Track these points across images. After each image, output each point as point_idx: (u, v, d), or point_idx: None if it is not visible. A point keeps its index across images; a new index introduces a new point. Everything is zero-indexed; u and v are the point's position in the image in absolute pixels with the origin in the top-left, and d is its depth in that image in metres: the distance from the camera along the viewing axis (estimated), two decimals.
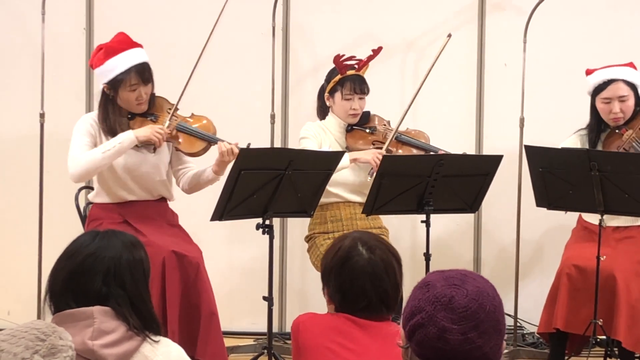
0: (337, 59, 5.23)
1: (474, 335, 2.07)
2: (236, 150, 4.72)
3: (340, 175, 5.08)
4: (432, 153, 5.17)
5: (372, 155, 5.09)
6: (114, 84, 4.75)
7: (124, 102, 4.79)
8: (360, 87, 5.25)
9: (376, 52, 5.30)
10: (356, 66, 5.26)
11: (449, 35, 5.29)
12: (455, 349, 2.06)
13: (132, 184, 4.82)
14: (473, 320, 2.07)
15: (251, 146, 4.70)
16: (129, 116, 4.82)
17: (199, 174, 4.92)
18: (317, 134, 5.25)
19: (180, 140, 4.82)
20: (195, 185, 4.95)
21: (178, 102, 4.81)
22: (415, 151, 5.26)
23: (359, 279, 3.00)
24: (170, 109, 4.84)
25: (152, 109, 4.86)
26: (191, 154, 4.86)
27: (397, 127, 5.23)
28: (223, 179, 4.58)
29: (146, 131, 4.71)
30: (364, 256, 3.02)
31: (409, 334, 2.11)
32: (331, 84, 5.27)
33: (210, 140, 4.82)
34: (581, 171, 4.69)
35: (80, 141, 4.76)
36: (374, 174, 4.83)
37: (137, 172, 4.82)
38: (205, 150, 4.86)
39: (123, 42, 4.81)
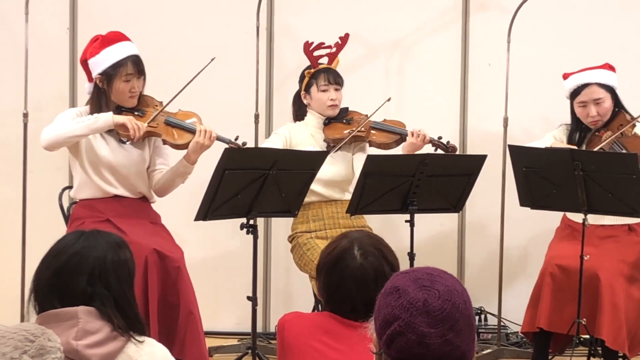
0: (307, 47, 5.27)
1: (451, 335, 2.07)
2: (214, 135, 4.75)
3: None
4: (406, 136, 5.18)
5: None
6: (109, 74, 4.74)
7: (116, 94, 4.77)
8: (334, 78, 5.30)
9: (344, 39, 5.33)
10: (327, 57, 5.30)
11: (389, 99, 5.25)
12: (435, 353, 2.06)
13: (112, 177, 4.80)
14: (449, 321, 2.07)
15: (239, 140, 4.76)
16: (116, 111, 4.80)
17: (171, 169, 4.89)
18: (290, 134, 5.27)
19: (167, 132, 4.81)
20: (166, 182, 4.88)
21: (170, 101, 4.80)
22: (391, 135, 5.25)
23: (346, 283, 2.96)
24: (157, 106, 4.84)
25: (140, 105, 4.85)
26: (178, 145, 4.83)
27: (372, 114, 5.22)
28: (206, 180, 4.56)
29: (125, 118, 4.68)
30: (356, 261, 2.97)
31: (387, 342, 2.09)
32: (305, 80, 5.31)
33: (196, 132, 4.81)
34: (565, 171, 4.71)
35: (60, 118, 4.72)
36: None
37: (118, 164, 4.79)
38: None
39: (118, 35, 4.83)
